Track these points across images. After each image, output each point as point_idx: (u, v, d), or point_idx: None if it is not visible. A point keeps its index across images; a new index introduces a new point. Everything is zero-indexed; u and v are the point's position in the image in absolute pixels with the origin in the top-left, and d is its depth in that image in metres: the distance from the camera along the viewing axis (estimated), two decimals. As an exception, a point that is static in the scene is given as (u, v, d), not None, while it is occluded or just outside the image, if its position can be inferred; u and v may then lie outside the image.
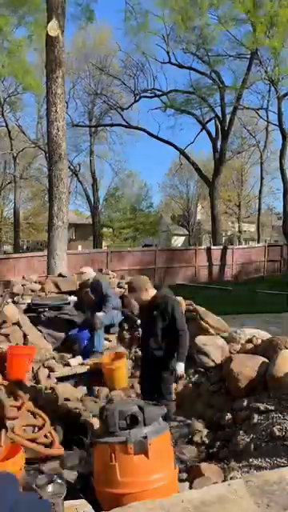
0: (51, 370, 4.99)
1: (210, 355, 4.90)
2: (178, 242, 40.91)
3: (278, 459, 3.11)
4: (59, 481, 2.19)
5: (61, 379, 5.02)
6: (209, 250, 20.10)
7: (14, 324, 5.18)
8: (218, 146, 22.78)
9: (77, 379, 5.17)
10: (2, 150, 28.57)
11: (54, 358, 5.18)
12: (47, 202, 10.84)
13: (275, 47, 16.11)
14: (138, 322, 5.84)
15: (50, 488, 2.13)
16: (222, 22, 17.55)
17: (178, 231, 43.29)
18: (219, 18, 18.24)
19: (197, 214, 41.34)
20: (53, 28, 9.28)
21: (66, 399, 4.78)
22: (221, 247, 20.83)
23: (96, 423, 3.81)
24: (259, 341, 5.03)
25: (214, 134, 23.36)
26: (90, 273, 5.93)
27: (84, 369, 5.20)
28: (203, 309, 5.74)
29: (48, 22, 9.48)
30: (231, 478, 2.92)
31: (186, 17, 16.89)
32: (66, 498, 2.28)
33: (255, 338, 5.18)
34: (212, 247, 20.64)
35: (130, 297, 5.18)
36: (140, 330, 5.77)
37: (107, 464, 2.47)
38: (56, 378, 4.97)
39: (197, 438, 4.10)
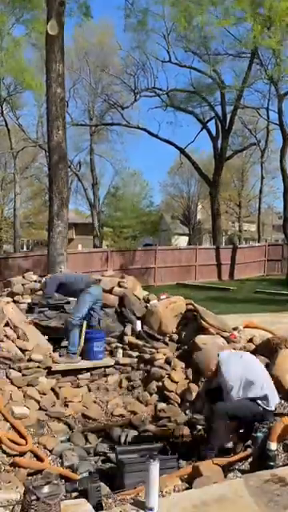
0: (50, 369, 4.99)
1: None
2: (178, 241, 40.87)
3: (278, 459, 3.11)
4: (55, 481, 2.17)
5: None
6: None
7: (14, 324, 5.17)
8: (219, 145, 22.75)
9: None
10: (1, 149, 28.53)
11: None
12: (47, 201, 10.84)
13: (273, 46, 15.99)
14: (138, 323, 5.84)
15: (46, 489, 2.11)
16: (222, 20, 17.47)
17: (179, 230, 43.26)
18: (219, 15, 18.18)
19: (197, 214, 41.32)
20: (53, 26, 9.27)
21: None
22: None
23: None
24: (259, 340, 5.03)
25: (214, 133, 23.33)
26: None
27: (85, 364, 5.21)
28: (203, 308, 5.73)
29: (48, 21, 9.47)
30: (231, 478, 2.91)
31: (185, 15, 16.79)
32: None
33: (255, 337, 5.19)
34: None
35: None
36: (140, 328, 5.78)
37: None
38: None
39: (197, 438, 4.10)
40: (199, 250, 20.19)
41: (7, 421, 3.95)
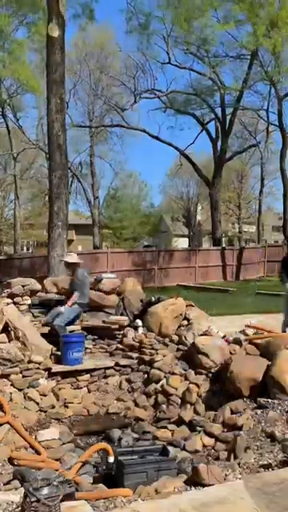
0: (50, 370, 4.99)
1: (209, 356, 4.89)
2: (178, 242, 40.87)
3: (278, 460, 3.10)
4: (55, 483, 2.16)
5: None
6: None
7: (14, 326, 5.16)
8: (219, 147, 22.77)
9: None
10: (2, 150, 28.57)
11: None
12: (48, 203, 10.86)
13: (275, 48, 16.06)
14: (140, 323, 5.84)
15: (45, 490, 2.09)
16: (223, 23, 17.56)
17: (178, 232, 43.28)
18: (219, 18, 18.27)
19: (197, 215, 41.36)
20: (53, 29, 9.29)
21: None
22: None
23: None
24: (259, 341, 5.02)
25: (214, 134, 23.35)
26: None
27: (85, 366, 5.20)
28: (202, 311, 5.74)
29: (49, 22, 9.49)
30: (231, 480, 2.91)
31: (186, 17, 16.87)
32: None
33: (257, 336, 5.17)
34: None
35: None
36: (140, 330, 5.78)
37: None
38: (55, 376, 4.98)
39: (197, 439, 4.09)
40: (202, 251, 20.23)
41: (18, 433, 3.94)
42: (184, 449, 3.99)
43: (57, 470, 3.28)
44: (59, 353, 5.22)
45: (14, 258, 17.56)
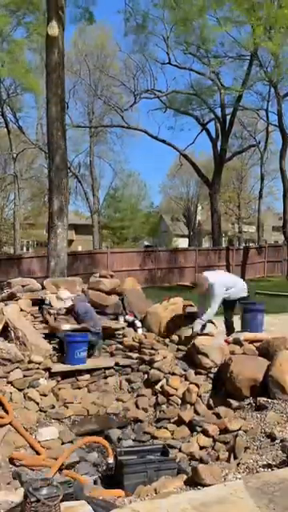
0: (50, 370, 4.98)
1: (209, 356, 4.89)
2: (178, 242, 40.90)
3: (278, 460, 3.10)
4: (55, 483, 2.16)
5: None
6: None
7: (13, 325, 5.16)
8: (218, 147, 22.78)
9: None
10: (2, 150, 28.58)
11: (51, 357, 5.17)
12: (47, 203, 10.84)
13: (273, 50, 16.05)
14: (139, 323, 5.84)
15: (45, 490, 2.10)
16: (222, 24, 17.55)
17: (178, 232, 43.30)
18: (218, 19, 18.25)
19: (197, 215, 41.39)
20: (53, 28, 9.29)
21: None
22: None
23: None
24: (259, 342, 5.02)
25: (214, 134, 23.36)
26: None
27: (86, 366, 5.19)
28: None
29: (48, 22, 9.49)
30: (231, 480, 2.91)
31: (184, 18, 16.86)
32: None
33: (255, 338, 5.17)
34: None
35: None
36: (140, 330, 5.80)
37: None
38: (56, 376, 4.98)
39: (193, 441, 4.10)
40: (203, 251, 20.25)
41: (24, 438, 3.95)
42: (180, 451, 4.00)
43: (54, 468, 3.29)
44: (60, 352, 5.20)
45: (14, 258, 17.55)
